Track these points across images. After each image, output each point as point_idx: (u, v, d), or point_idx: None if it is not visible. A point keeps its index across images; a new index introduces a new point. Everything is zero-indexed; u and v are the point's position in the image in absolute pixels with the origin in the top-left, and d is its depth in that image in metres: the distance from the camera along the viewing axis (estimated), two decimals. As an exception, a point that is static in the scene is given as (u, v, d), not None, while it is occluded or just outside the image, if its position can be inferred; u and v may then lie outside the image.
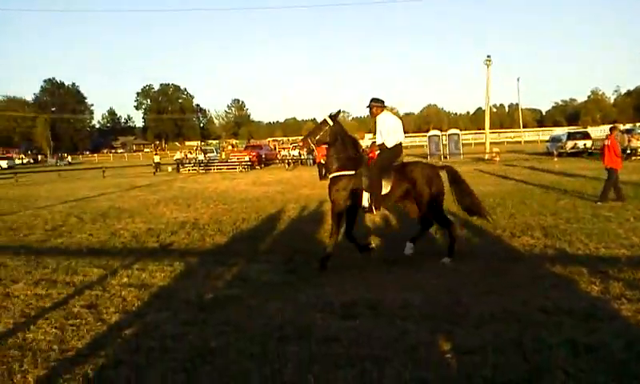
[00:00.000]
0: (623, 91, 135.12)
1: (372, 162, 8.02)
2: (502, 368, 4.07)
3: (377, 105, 8.12)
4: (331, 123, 7.98)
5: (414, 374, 4.08)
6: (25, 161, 79.77)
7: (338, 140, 7.97)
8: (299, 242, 9.80)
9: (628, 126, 51.72)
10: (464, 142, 48.54)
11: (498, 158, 34.14)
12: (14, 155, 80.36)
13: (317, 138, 8.01)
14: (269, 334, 5.05)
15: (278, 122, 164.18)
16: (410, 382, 3.97)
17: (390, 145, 8.00)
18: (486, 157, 37.77)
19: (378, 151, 8.16)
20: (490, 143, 45.09)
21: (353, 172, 7.81)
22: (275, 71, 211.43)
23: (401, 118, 8.86)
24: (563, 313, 5.22)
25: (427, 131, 54.01)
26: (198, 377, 4.17)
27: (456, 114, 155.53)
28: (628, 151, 29.92)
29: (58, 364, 4.48)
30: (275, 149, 53.13)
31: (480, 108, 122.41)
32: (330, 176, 8.02)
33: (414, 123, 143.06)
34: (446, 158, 39.09)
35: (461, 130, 54.53)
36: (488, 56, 40.82)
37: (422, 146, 55.70)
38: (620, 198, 12.75)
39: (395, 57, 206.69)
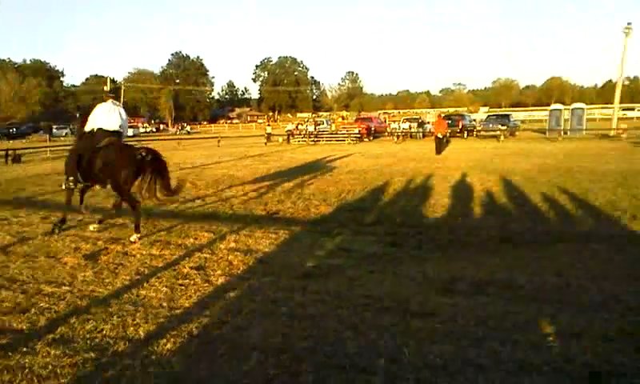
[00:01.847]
0: None
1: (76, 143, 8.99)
2: (609, 356, 3.85)
3: (108, 95, 8.92)
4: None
5: (512, 355, 3.97)
6: (148, 129, 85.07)
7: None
8: (404, 215, 9.73)
9: None
10: (588, 117, 45.40)
11: (624, 135, 31.68)
12: (139, 124, 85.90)
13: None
14: (368, 305, 5.10)
15: (390, 94, 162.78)
16: (508, 362, 3.86)
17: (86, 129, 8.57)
18: (612, 133, 35.18)
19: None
20: (618, 119, 41.85)
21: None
22: (390, 43, 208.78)
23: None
24: (685, 304, 4.83)
25: (549, 105, 51.09)
26: (295, 341, 4.30)
27: (582, 86, 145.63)
28: None
29: (167, 320, 4.80)
30: (385, 121, 52.77)
31: (610, 80, 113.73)
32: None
33: (535, 96, 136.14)
34: (566, 133, 36.86)
35: (586, 105, 51.08)
36: (628, 23, 37.41)
37: (542, 120, 52.98)
38: None
39: (514, 25, 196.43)
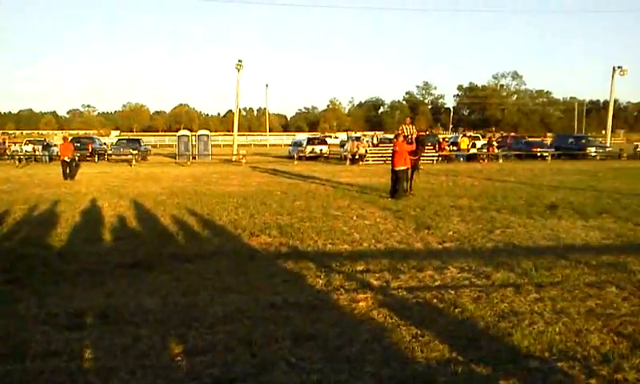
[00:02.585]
0: (356, 102, 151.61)
1: None
2: (231, 365, 4.16)
3: None
4: None
5: (141, 381, 3.96)
6: None
7: None
8: (24, 246, 8.82)
9: (358, 133, 57.97)
10: (214, 143, 49.25)
11: (244, 160, 35.28)
12: None
13: None
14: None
15: (10, 113, 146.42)
16: (137, 391, 3.84)
17: None
18: (234, 158, 38.78)
19: None
20: (238, 145, 46.40)
21: None
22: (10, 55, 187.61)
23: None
24: (291, 306, 5.58)
25: (177, 131, 53.56)
26: None
27: (207, 114, 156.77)
28: (356, 157, 33.50)
29: None
30: (5, 143, 47.19)
31: (230, 110, 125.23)
32: None
33: (165, 122, 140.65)
34: (194, 158, 39.07)
35: (211, 132, 55.18)
36: (239, 60, 41.92)
37: (173, 145, 54.99)
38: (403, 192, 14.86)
39: (145, 52, 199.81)
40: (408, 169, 15.21)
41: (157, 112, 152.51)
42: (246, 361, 4.26)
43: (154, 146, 64.24)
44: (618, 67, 45.54)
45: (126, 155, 36.56)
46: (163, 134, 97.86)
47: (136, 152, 36.67)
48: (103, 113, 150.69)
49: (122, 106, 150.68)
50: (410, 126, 16.56)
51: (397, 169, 14.96)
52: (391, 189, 15.16)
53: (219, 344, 4.59)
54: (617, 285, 6.28)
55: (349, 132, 79.04)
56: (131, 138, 54.12)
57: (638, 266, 7.09)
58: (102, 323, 5.19)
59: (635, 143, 46.90)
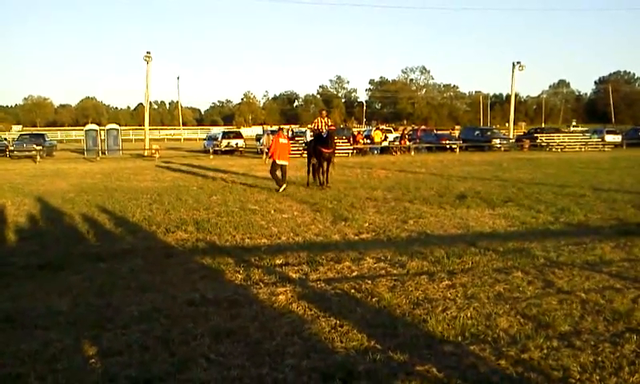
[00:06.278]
0: (271, 96, 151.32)
1: None
2: (148, 365, 4.05)
3: None
4: None
5: (51, 388, 3.78)
6: None
7: None
8: None
9: (275, 127, 57.91)
10: (124, 137, 47.64)
11: (157, 155, 34.36)
12: None
13: None
14: None
15: None
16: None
17: None
18: (146, 153, 37.68)
19: None
20: (150, 140, 45.12)
21: None
22: None
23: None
24: (209, 303, 5.50)
25: (85, 125, 51.38)
26: None
27: (116, 108, 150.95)
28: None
29: None
30: None
31: (141, 104, 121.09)
32: None
33: (71, 116, 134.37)
34: (104, 153, 37.60)
35: (121, 126, 53.33)
36: (148, 52, 40.89)
37: (80, 140, 52.60)
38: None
39: (47, 42, 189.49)
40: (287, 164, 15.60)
41: (62, 105, 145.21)
42: (164, 360, 4.17)
43: (61, 141, 61.49)
44: (517, 63, 48.34)
45: (30, 151, 34.58)
46: (70, 128, 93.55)
47: (40, 147, 34.78)
48: (2, 107, 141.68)
49: (24, 99, 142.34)
50: (326, 118, 16.68)
51: (280, 163, 15.28)
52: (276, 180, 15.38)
53: (135, 344, 4.46)
54: (522, 269, 6.65)
55: (264, 125, 78.73)
56: (35, 132, 51.39)
57: (541, 252, 7.53)
58: (8, 328, 4.90)
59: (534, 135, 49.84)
